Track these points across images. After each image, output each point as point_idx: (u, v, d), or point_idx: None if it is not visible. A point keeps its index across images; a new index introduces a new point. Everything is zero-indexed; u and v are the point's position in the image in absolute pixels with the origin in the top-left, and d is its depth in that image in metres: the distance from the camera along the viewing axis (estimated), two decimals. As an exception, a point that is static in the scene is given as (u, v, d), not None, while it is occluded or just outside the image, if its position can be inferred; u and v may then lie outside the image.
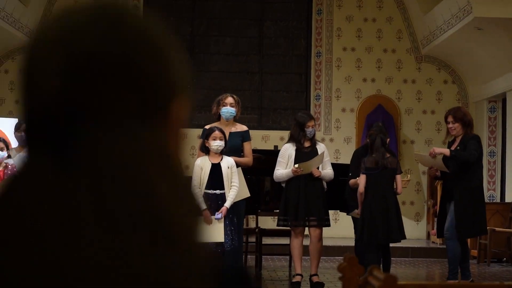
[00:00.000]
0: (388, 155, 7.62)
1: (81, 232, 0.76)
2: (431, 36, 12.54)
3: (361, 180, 7.56)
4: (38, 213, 0.77)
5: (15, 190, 0.81)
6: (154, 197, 0.79)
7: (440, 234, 8.04)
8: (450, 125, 7.79)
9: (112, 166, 0.79)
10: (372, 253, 7.53)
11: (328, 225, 7.78)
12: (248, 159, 7.53)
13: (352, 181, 8.03)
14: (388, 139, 7.81)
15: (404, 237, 7.69)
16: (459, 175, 7.60)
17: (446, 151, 7.63)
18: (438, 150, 7.79)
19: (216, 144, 6.86)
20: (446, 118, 7.90)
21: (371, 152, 7.60)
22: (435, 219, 9.29)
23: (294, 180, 7.61)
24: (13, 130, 8.11)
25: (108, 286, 0.74)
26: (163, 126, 0.83)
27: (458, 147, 7.66)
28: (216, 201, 6.83)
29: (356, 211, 7.88)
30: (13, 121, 8.85)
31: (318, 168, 7.67)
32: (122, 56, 0.80)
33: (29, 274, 0.76)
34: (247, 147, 7.56)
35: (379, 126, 7.97)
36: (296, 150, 7.68)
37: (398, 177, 7.66)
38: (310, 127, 7.73)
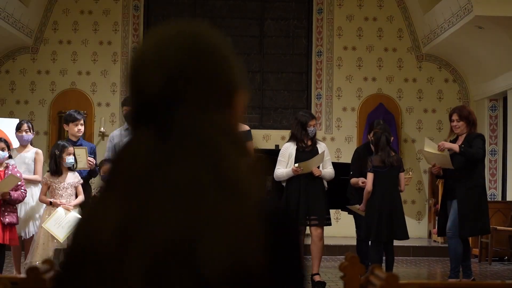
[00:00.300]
0: (392, 153, 7.66)
1: (177, 184, 1.12)
2: (431, 35, 12.54)
3: (369, 178, 7.56)
4: (145, 171, 1.13)
5: (127, 153, 1.18)
6: (225, 161, 1.14)
7: (441, 232, 8.04)
8: (455, 123, 7.78)
9: (196, 137, 1.15)
10: (376, 251, 7.54)
11: (329, 224, 7.77)
12: (249, 158, 7.52)
13: (353, 180, 8.03)
14: (392, 138, 7.83)
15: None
16: (462, 172, 7.60)
17: (456, 147, 7.61)
18: (447, 145, 7.73)
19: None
20: (450, 116, 7.88)
21: (376, 150, 7.61)
22: (437, 218, 9.28)
23: (295, 179, 7.61)
24: (14, 131, 8.10)
25: (195, 226, 1.08)
26: (230, 110, 1.22)
27: (463, 145, 7.66)
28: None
29: (357, 206, 7.88)
30: (14, 122, 8.85)
31: (318, 167, 7.67)
32: (202, 66, 1.19)
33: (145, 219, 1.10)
34: (249, 147, 7.56)
35: (384, 125, 7.97)
36: (297, 149, 7.68)
37: (402, 175, 7.68)
38: (312, 126, 7.73)
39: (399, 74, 13.30)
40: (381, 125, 7.91)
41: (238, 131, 1.24)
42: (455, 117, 7.80)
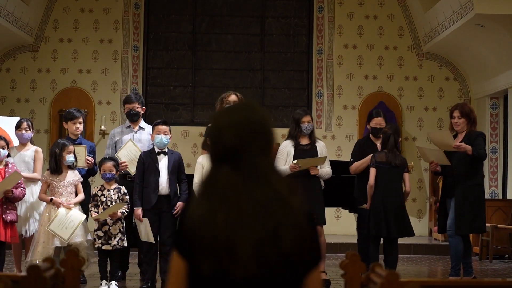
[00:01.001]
0: (398, 153, 7.68)
1: (256, 198, 1.97)
2: (432, 33, 12.53)
3: (371, 173, 7.56)
4: (231, 189, 1.97)
5: (216, 177, 2.02)
6: (272, 185, 2.00)
7: (441, 230, 8.03)
8: (456, 120, 7.77)
9: (255, 171, 2.01)
10: (376, 248, 7.54)
11: (323, 223, 7.68)
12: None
13: (354, 165, 8.01)
14: (400, 139, 7.82)
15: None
16: (462, 171, 7.60)
17: (470, 149, 7.57)
18: (463, 148, 7.63)
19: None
20: (451, 113, 7.86)
21: (383, 147, 7.61)
22: (437, 216, 9.27)
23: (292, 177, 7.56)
24: (14, 129, 8.09)
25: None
26: (270, 154, 2.04)
27: (463, 143, 7.67)
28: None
29: (365, 205, 7.87)
30: (14, 120, 8.85)
31: (316, 166, 7.64)
32: (258, 130, 2.06)
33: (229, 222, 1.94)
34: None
35: (394, 125, 7.98)
36: (295, 147, 7.64)
37: (406, 175, 7.64)
38: (306, 123, 7.69)
39: (399, 72, 13.30)
40: (392, 125, 7.91)
41: (276, 165, 2.10)
42: (456, 113, 7.78)
